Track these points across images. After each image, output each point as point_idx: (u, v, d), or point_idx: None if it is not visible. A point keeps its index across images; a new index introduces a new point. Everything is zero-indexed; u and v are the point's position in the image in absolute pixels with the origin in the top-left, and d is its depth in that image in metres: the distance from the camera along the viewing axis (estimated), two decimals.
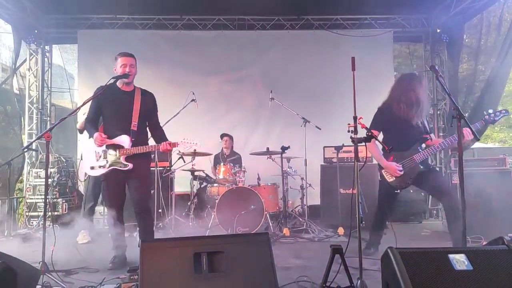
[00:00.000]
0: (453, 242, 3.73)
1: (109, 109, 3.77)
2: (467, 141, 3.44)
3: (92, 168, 3.79)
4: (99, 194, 5.36)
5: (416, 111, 3.77)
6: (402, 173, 3.77)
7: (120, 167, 3.67)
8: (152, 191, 5.64)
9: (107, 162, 3.70)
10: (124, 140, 3.69)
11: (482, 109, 6.01)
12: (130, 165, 3.66)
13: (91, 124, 3.79)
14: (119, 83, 3.77)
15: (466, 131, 3.28)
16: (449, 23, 7.10)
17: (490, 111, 3.46)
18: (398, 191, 3.88)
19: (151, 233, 3.87)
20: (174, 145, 3.66)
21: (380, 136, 3.99)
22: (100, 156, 3.75)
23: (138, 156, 3.68)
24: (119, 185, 3.75)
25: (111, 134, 3.72)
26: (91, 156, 3.79)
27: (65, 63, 8.80)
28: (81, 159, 3.93)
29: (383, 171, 3.93)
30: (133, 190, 3.75)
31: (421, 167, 3.77)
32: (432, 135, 3.98)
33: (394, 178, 3.83)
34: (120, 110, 3.73)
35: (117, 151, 3.68)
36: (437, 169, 4.04)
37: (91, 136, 3.75)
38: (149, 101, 3.84)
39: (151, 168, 5.47)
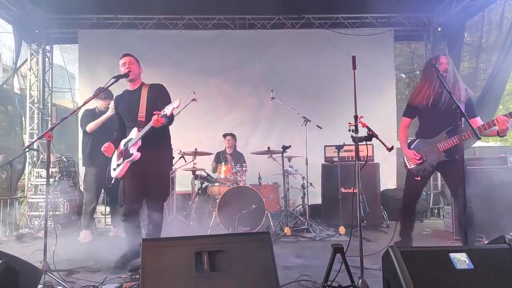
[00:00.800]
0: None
1: (123, 111, 3.87)
2: (504, 130, 3.33)
3: (114, 169, 3.84)
4: (99, 195, 5.41)
5: (444, 96, 3.58)
6: (420, 161, 3.75)
7: (129, 157, 3.66)
8: None
9: (122, 159, 3.75)
10: (133, 133, 3.72)
11: (483, 107, 6.02)
12: (136, 154, 3.62)
13: (117, 134, 3.96)
14: (128, 86, 3.87)
15: (502, 119, 3.28)
16: (450, 22, 7.08)
17: None
18: (419, 178, 3.82)
19: (158, 236, 3.78)
20: (160, 113, 3.38)
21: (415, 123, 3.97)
22: (120, 156, 3.82)
23: (151, 144, 3.63)
24: (135, 183, 3.72)
25: (127, 133, 3.81)
26: (115, 159, 3.87)
27: (66, 63, 8.80)
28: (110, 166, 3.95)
29: (404, 157, 3.93)
30: (148, 188, 3.73)
31: (444, 155, 3.65)
32: (476, 119, 3.68)
33: (414, 165, 3.82)
34: (129, 107, 3.79)
35: (128, 144, 3.72)
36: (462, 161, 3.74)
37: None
38: (156, 91, 3.80)
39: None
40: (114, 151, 3.87)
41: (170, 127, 3.83)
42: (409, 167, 3.90)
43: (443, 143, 3.65)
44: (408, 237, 4.04)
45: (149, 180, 3.72)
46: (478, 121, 3.69)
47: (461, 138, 3.00)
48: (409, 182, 3.96)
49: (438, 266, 1.96)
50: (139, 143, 3.64)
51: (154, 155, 3.67)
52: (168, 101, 3.78)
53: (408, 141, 3.98)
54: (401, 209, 4.13)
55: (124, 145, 3.78)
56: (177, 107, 3.33)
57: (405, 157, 3.94)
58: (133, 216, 3.75)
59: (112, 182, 3.85)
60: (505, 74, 6.02)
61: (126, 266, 3.50)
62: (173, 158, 4.30)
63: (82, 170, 5.97)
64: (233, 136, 6.80)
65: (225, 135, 6.78)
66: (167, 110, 3.32)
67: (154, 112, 3.40)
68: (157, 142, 3.69)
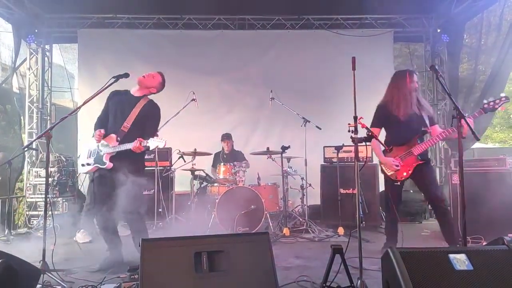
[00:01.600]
0: (448, 244, 3.85)
1: (113, 110, 3.82)
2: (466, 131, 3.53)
3: (83, 165, 3.81)
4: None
5: (410, 106, 3.93)
6: (398, 168, 3.95)
7: (101, 165, 3.65)
8: (151, 191, 5.66)
9: (93, 160, 3.71)
10: (110, 138, 3.67)
11: None
12: (109, 165, 3.61)
13: (99, 123, 3.88)
14: (132, 89, 3.83)
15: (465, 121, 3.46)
16: (449, 23, 7.10)
17: (491, 98, 3.43)
18: (398, 183, 4.04)
19: (143, 235, 3.70)
20: (143, 142, 3.40)
21: (383, 132, 4.19)
22: (90, 154, 3.78)
23: (124, 158, 3.58)
24: (104, 187, 3.67)
25: (107, 134, 3.74)
26: (84, 154, 3.83)
27: (65, 62, 8.78)
28: (79, 157, 3.91)
29: (382, 165, 4.13)
30: (120, 195, 3.62)
31: (419, 158, 3.91)
32: (436, 126, 4.08)
33: (393, 171, 4.01)
34: (120, 111, 3.75)
35: (103, 149, 3.68)
36: (432, 165, 4.16)
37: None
38: (149, 110, 3.75)
39: (151, 168, 5.51)
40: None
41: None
42: (388, 174, 4.08)
43: (416, 147, 3.89)
44: (395, 236, 4.19)
45: (121, 189, 3.59)
46: (437, 128, 4.06)
47: (460, 140, 3.01)
48: (390, 187, 4.14)
49: (437, 267, 1.96)
50: (113, 153, 3.64)
51: (125, 164, 3.58)
52: (155, 123, 3.79)
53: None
54: (387, 212, 4.34)
55: (98, 147, 3.72)
56: (162, 148, 3.34)
57: (382, 166, 4.13)
58: (106, 219, 3.67)
59: (77, 175, 3.84)
60: (504, 76, 6.04)
61: (119, 266, 3.49)
62: (144, 163, 4.17)
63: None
64: (229, 137, 6.74)
65: (223, 139, 6.69)
66: (151, 145, 3.34)
67: (138, 139, 3.39)
68: (132, 157, 3.60)
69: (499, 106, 3.39)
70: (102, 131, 3.68)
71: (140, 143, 3.38)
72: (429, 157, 4.07)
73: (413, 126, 3.94)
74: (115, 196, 3.61)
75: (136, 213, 3.74)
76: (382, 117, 4.10)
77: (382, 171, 4.17)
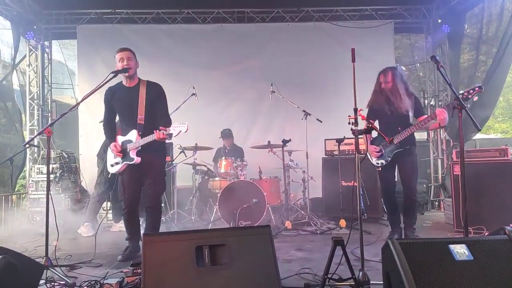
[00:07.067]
0: (404, 233, 4.19)
1: (119, 108, 3.84)
2: (442, 119, 3.82)
3: (111, 165, 3.87)
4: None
5: (393, 101, 4.14)
6: (379, 154, 4.23)
7: (129, 161, 3.70)
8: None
9: (121, 158, 3.76)
10: (132, 135, 3.72)
11: (483, 99, 5.99)
12: (137, 159, 3.67)
13: (107, 128, 3.91)
14: (124, 81, 3.81)
15: (439, 110, 3.80)
16: (450, 13, 7.05)
17: (466, 89, 3.50)
18: (380, 168, 4.30)
19: (157, 230, 3.86)
20: (166, 130, 3.44)
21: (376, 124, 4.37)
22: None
23: (149, 150, 3.66)
24: (133, 180, 3.77)
25: (125, 132, 3.80)
26: (111, 155, 3.87)
27: (66, 59, 8.76)
28: (106, 158, 3.95)
29: (367, 152, 4.36)
30: (145, 186, 3.78)
31: (398, 145, 4.14)
32: (425, 116, 4.27)
33: (375, 158, 4.29)
34: (127, 106, 3.76)
35: (128, 146, 3.73)
36: (412, 152, 4.25)
37: (109, 143, 3.85)
38: (153, 91, 3.78)
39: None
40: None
41: None
42: (371, 160, 4.33)
43: (397, 136, 4.10)
44: (398, 227, 4.35)
45: (146, 178, 3.77)
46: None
47: (461, 130, 3.00)
48: (377, 173, 4.48)
49: (437, 257, 1.95)
50: (139, 147, 3.67)
51: (151, 155, 3.72)
52: (164, 103, 3.83)
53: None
54: (384, 203, 4.62)
55: (123, 144, 3.77)
56: (185, 132, 3.36)
57: (368, 153, 4.35)
58: (133, 210, 3.82)
59: (109, 176, 3.91)
60: (505, 66, 5.99)
61: (130, 260, 3.54)
62: (166, 153, 4.29)
63: (88, 164, 5.94)
64: (228, 134, 6.70)
65: (222, 137, 6.65)
66: (174, 132, 3.39)
67: (160, 128, 3.43)
68: (155, 145, 3.67)
69: (472, 96, 3.43)
70: (118, 146, 3.75)
71: (164, 132, 3.41)
72: (410, 147, 4.19)
73: (396, 119, 4.16)
74: (141, 188, 3.79)
75: (158, 208, 3.88)
76: (371, 111, 4.34)
77: (369, 158, 4.39)
